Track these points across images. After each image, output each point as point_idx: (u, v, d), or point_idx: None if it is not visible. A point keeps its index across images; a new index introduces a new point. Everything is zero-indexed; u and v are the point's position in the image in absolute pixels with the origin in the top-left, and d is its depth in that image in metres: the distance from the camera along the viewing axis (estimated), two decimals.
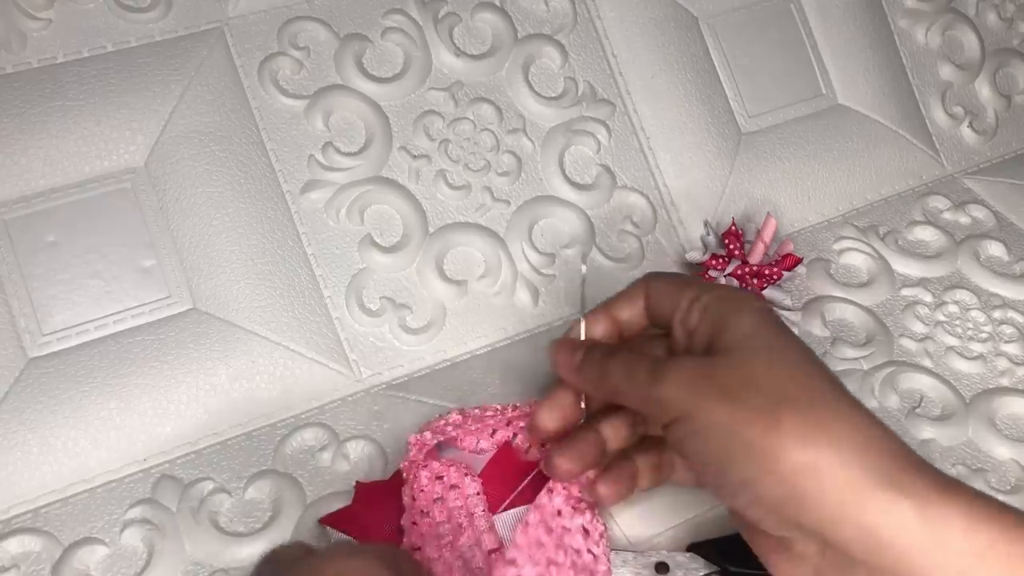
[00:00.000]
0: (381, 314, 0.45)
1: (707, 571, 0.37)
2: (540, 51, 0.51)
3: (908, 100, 0.58)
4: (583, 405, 0.36)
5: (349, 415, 0.43)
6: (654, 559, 0.37)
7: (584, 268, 0.39)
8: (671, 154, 0.52)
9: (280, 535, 0.38)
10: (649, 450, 0.36)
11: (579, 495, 0.37)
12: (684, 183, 0.52)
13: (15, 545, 0.38)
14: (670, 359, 0.32)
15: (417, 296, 0.46)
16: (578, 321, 0.36)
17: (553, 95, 0.51)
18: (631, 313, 0.36)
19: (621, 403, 0.34)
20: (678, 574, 0.37)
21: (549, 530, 0.35)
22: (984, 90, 0.60)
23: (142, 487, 0.40)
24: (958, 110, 0.59)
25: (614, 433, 0.36)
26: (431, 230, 0.47)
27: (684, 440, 0.31)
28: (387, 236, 0.46)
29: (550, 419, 0.36)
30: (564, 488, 0.36)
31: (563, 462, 0.35)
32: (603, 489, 0.35)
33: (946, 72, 0.59)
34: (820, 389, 0.30)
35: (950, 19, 0.60)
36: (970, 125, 0.59)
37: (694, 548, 0.38)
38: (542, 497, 0.36)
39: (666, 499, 0.39)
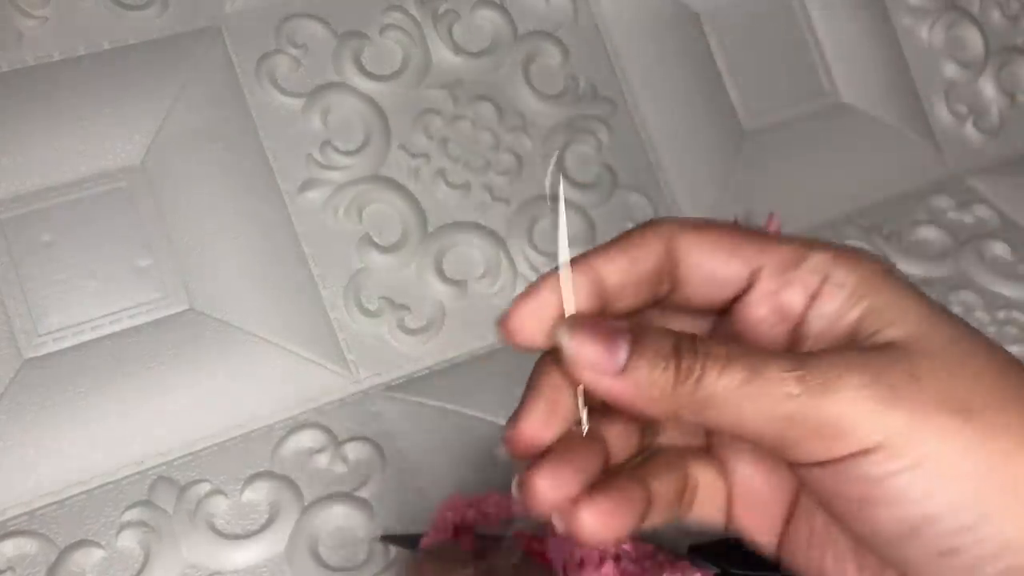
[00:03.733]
0: (380, 314, 0.45)
1: (707, 573, 0.37)
2: (540, 49, 0.50)
3: (911, 98, 0.57)
4: (582, 404, 0.22)
5: (347, 416, 0.43)
6: None
7: (553, 163, 0.23)
8: (672, 153, 0.52)
9: (277, 537, 0.38)
10: (668, 468, 0.23)
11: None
12: (685, 182, 0.52)
13: (10, 547, 0.37)
14: (819, 355, 0.20)
15: (416, 296, 0.46)
16: (554, 273, 0.21)
17: (553, 93, 0.50)
18: (628, 275, 0.22)
19: (732, 433, 0.20)
20: None
21: None
22: (988, 88, 0.60)
23: (138, 489, 0.40)
24: (962, 108, 0.59)
25: (620, 440, 0.23)
26: (430, 229, 0.47)
27: (883, 483, 0.19)
28: (386, 235, 0.46)
29: (544, 426, 0.21)
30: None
31: (549, 483, 0.20)
32: (589, 518, 0.20)
33: (950, 70, 0.59)
34: None
35: (954, 17, 0.59)
36: (974, 124, 0.58)
37: (694, 550, 0.38)
38: None
39: None
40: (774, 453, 0.20)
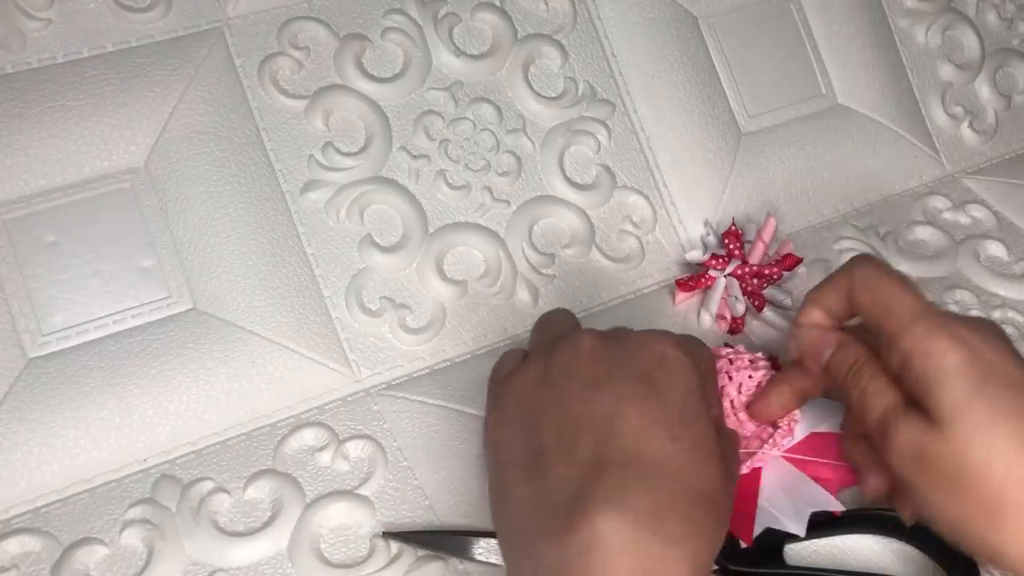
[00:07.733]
0: (381, 314, 0.45)
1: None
2: (540, 51, 0.51)
3: (908, 100, 0.58)
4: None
5: (349, 415, 0.43)
6: None
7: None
8: (671, 154, 0.52)
9: (279, 535, 0.38)
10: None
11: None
12: (684, 183, 0.52)
13: (15, 545, 0.38)
14: (897, 422, 0.32)
15: (417, 296, 0.46)
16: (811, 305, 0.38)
17: (553, 95, 0.51)
18: (837, 305, 0.36)
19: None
20: None
21: None
22: (984, 90, 0.60)
23: (142, 487, 0.40)
24: (958, 110, 0.59)
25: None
26: (431, 230, 0.47)
27: (914, 497, 0.33)
28: (387, 236, 0.46)
29: (778, 404, 0.39)
30: None
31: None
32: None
33: (946, 72, 0.59)
34: None
35: (950, 19, 0.60)
36: (970, 125, 0.59)
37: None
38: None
39: None
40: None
